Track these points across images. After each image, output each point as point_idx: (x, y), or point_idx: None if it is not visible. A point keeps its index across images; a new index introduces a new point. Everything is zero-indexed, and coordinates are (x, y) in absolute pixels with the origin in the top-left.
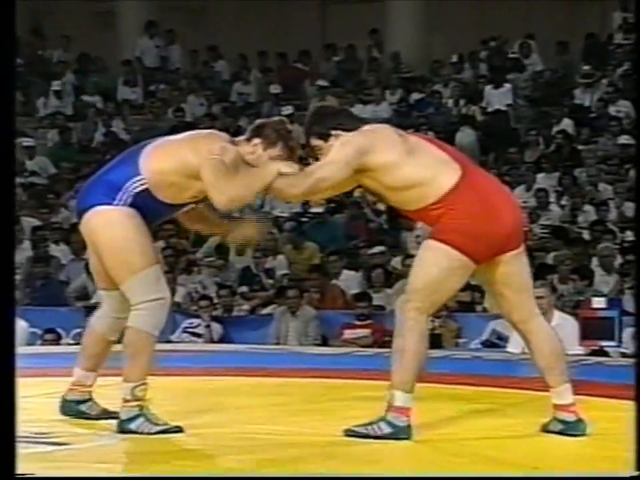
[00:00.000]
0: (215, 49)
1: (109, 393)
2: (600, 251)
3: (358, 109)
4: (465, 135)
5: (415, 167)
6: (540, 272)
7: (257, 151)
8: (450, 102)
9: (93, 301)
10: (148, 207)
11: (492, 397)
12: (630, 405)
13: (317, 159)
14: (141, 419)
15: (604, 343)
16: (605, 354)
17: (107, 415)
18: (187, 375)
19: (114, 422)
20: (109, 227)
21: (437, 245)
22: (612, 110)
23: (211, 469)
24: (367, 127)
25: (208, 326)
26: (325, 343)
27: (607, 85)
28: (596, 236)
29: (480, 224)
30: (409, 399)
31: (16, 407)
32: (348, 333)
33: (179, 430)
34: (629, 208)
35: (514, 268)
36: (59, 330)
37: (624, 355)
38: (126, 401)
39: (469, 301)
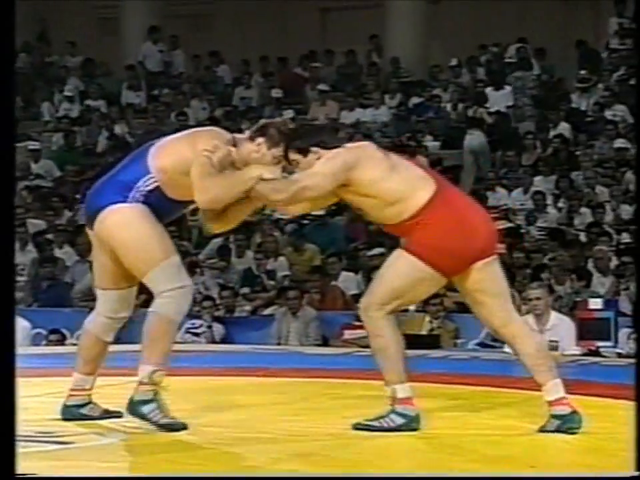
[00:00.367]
0: (217, 54)
1: (111, 393)
2: (595, 254)
3: (358, 113)
4: (475, 137)
5: (397, 183)
6: (537, 273)
7: (261, 150)
8: (449, 106)
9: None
10: (159, 205)
11: (489, 396)
12: (626, 404)
13: (290, 173)
14: (154, 404)
15: (600, 344)
16: (600, 355)
17: (108, 415)
18: (189, 375)
19: (116, 420)
20: (126, 223)
21: (407, 256)
22: (608, 114)
23: (213, 468)
24: (350, 145)
25: (210, 326)
26: (325, 343)
27: (603, 89)
28: (592, 238)
29: (453, 239)
30: (408, 389)
31: (16, 407)
32: (348, 333)
33: (183, 427)
34: (625, 210)
35: (487, 274)
36: (64, 330)
37: (620, 355)
38: (142, 383)
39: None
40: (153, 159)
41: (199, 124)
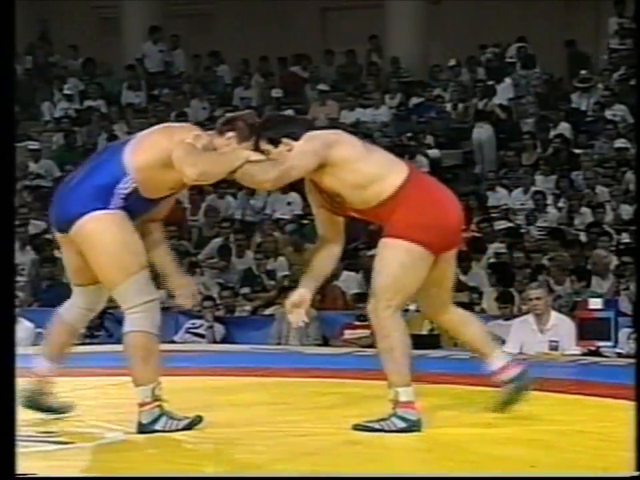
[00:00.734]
0: (217, 54)
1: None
2: (592, 258)
3: (358, 113)
4: (483, 131)
5: (373, 164)
6: (537, 273)
7: (231, 144)
8: (449, 106)
9: None
10: (135, 206)
11: (489, 396)
12: (626, 404)
13: None
14: (164, 418)
15: (600, 343)
16: (600, 355)
17: (64, 407)
18: (189, 375)
19: (116, 419)
20: (108, 231)
21: (394, 242)
22: (608, 114)
23: (213, 468)
24: (326, 131)
25: (210, 326)
26: (325, 343)
27: (603, 89)
28: (592, 238)
29: (430, 216)
30: (411, 392)
31: (16, 407)
32: (348, 333)
33: (200, 420)
34: (625, 210)
35: (450, 267)
36: None
37: (620, 355)
38: (144, 404)
39: (467, 302)
40: (129, 156)
41: (199, 124)
